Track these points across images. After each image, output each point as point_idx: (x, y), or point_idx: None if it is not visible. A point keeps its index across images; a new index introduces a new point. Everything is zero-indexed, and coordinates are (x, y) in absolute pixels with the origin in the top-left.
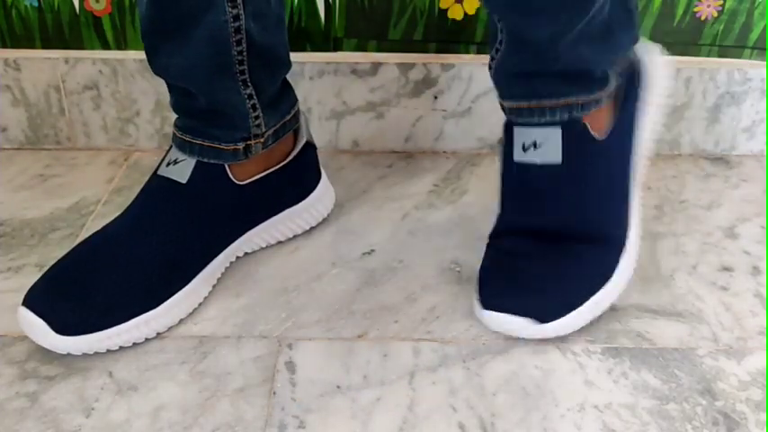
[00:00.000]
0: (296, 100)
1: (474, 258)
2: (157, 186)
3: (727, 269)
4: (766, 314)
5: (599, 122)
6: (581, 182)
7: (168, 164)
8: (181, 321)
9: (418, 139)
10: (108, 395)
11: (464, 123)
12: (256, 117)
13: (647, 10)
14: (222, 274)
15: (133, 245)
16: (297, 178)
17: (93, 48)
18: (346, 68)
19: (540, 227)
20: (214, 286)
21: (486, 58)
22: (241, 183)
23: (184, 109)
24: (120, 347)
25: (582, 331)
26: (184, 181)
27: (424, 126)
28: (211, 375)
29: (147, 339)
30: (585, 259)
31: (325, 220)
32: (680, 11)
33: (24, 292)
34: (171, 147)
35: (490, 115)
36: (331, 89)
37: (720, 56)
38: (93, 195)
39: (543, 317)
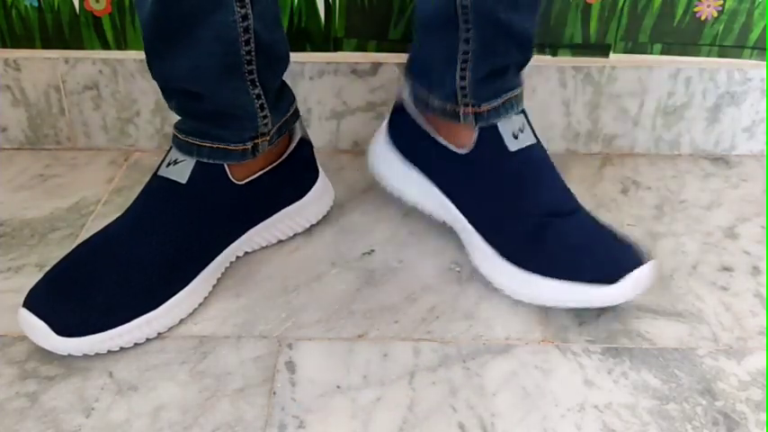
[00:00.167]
0: (294, 96)
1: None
2: (157, 187)
3: (727, 269)
4: (766, 314)
5: None
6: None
7: (168, 164)
8: (181, 321)
9: None
10: (108, 395)
11: None
12: (264, 116)
13: (648, 10)
14: (222, 273)
15: (133, 245)
16: (294, 176)
17: (93, 48)
18: (346, 68)
19: (547, 209)
20: (214, 286)
21: None
22: (240, 182)
23: (189, 112)
24: (121, 348)
25: (582, 331)
26: (184, 181)
27: None
28: (211, 375)
29: (147, 339)
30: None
31: (325, 220)
32: (680, 11)
33: (24, 292)
34: (171, 147)
35: None
36: (331, 89)
37: (720, 56)
38: (93, 195)
39: None
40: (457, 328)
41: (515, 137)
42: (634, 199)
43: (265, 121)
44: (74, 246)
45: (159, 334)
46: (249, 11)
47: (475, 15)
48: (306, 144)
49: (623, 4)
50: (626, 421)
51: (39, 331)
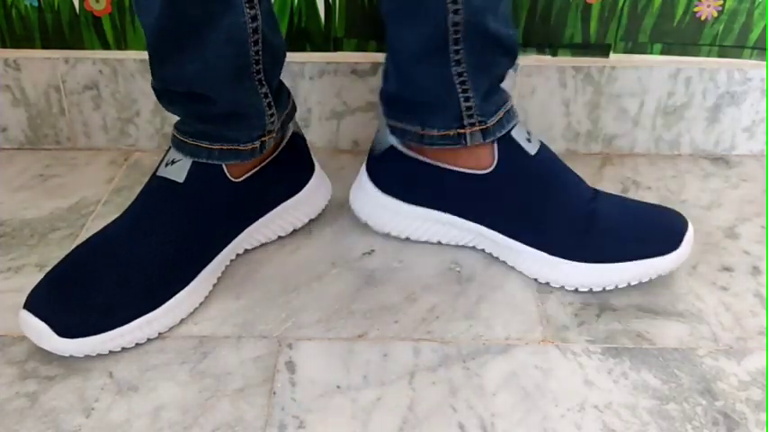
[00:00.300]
0: (289, 90)
1: (474, 258)
2: (156, 187)
3: (727, 269)
4: (766, 314)
5: None
6: None
7: (166, 164)
8: (181, 321)
9: None
10: (108, 395)
11: None
12: (271, 114)
13: (648, 10)
14: (222, 273)
15: (133, 246)
16: (290, 170)
17: (93, 48)
18: (346, 68)
19: (582, 199)
20: (214, 285)
21: None
22: (237, 180)
23: (197, 116)
24: (123, 348)
25: (582, 331)
26: (181, 180)
27: None
28: (211, 375)
29: (149, 339)
30: None
31: (325, 220)
32: (680, 11)
33: (24, 292)
34: (170, 147)
35: None
36: (331, 89)
37: (720, 56)
38: (93, 195)
39: None
40: (457, 328)
41: (529, 141)
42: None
43: (272, 119)
44: (74, 246)
45: (160, 334)
46: (258, 11)
47: (466, 29)
48: (299, 138)
49: (623, 4)
50: (626, 421)
51: (40, 333)
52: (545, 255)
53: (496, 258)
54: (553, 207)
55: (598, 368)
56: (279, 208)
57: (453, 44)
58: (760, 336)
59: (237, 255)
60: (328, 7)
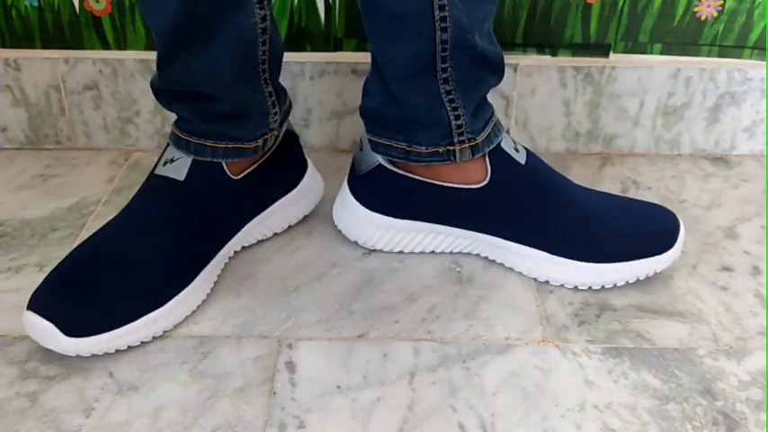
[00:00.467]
0: (284, 88)
1: (474, 258)
2: (155, 185)
3: (727, 269)
4: (766, 314)
5: None
6: None
7: (165, 163)
8: (181, 321)
9: None
10: (108, 395)
11: None
12: (275, 113)
13: (648, 10)
14: (223, 273)
15: (135, 244)
16: (286, 167)
17: (93, 48)
18: (346, 68)
19: (574, 200)
20: (215, 285)
21: None
22: (236, 177)
23: (202, 114)
24: (128, 346)
25: (582, 331)
26: (182, 178)
27: None
28: (211, 375)
29: (154, 338)
30: None
31: (325, 220)
32: (680, 11)
33: (25, 292)
34: (167, 146)
35: None
36: (331, 89)
37: (720, 56)
38: (94, 195)
39: None
40: (457, 328)
41: (516, 150)
42: None
43: (275, 117)
44: (74, 246)
45: (165, 332)
46: (267, 12)
47: (454, 47)
48: (293, 135)
49: (623, 4)
50: (626, 421)
51: (46, 333)
52: (544, 254)
53: (494, 261)
54: (550, 212)
55: (598, 368)
56: (276, 204)
57: (441, 62)
58: (760, 336)
59: (235, 252)
60: (328, 7)
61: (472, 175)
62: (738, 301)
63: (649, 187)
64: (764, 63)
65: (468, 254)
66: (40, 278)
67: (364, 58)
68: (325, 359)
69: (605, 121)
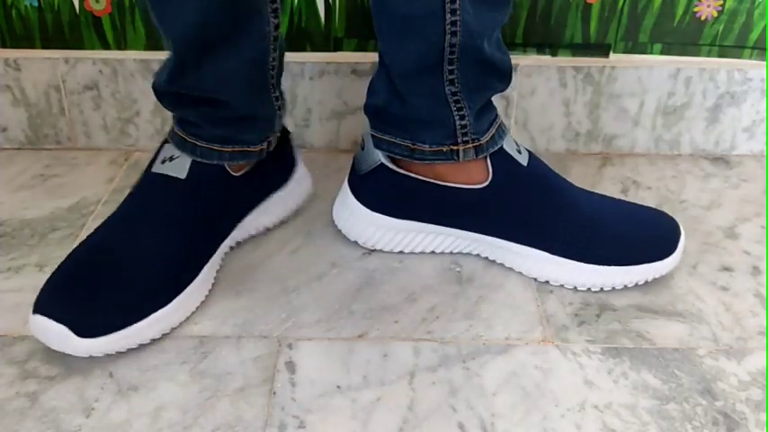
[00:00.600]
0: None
1: (474, 258)
2: (155, 184)
3: (727, 269)
4: (766, 314)
5: None
6: None
7: (164, 161)
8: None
9: None
10: (108, 395)
11: None
12: (280, 116)
13: (648, 10)
14: (223, 272)
15: (138, 242)
16: (279, 162)
17: (93, 48)
18: (346, 68)
19: (576, 201)
20: (214, 285)
21: None
22: (237, 174)
23: (211, 119)
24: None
25: (582, 331)
26: (183, 176)
27: None
28: (211, 375)
29: (163, 335)
30: None
31: (325, 220)
32: (680, 11)
33: (25, 292)
34: (163, 143)
35: None
36: (331, 89)
37: (720, 56)
38: (94, 195)
39: None
40: (457, 328)
41: (519, 152)
42: (634, 199)
43: (280, 120)
44: (74, 246)
45: (172, 329)
46: (280, 20)
47: (462, 51)
48: (285, 130)
49: (623, 4)
50: (626, 421)
51: (58, 335)
52: (544, 254)
53: (494, 261)
54: (551, 213)
55: (598, 368)
56: (270, 199)
57: (448, 64)
58: (760, 336)
59: (234, 251)
60: (328, 7)
61: (474, 175)
62: (738, 301)
63: (649, 187)
64: (764, 63)
65: (469, 254)
66: (40, 278)
67: (364, 58)
68: (325, 359)
69: (605, 121)
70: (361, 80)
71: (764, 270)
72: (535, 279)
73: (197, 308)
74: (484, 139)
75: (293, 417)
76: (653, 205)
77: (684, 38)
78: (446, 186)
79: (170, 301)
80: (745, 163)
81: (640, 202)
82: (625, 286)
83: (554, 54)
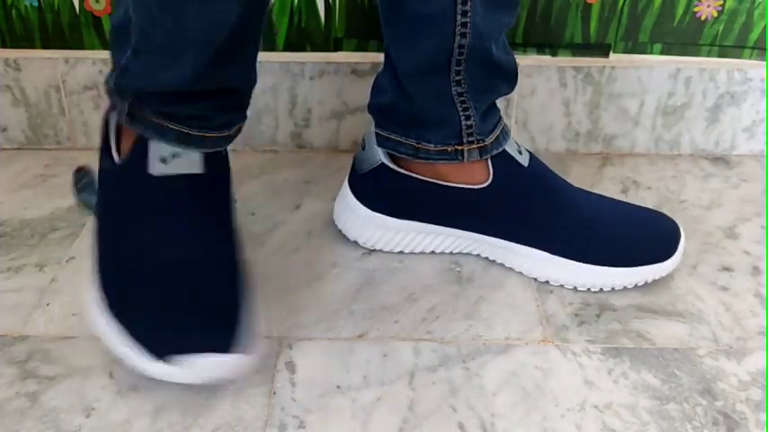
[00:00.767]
0: None
1: (474, 258)
2: (174, 187)
3: (727, 269)
4: (766, 314)
5: None
6: None
7: (163, 160)
8: None
9: None
10: (108, 395)
11: None
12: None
13: (648, 10)
14: None
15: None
16: None
17: (93, 48)
18: (346, 68)
19: (575, 201)
20: None
21: None
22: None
23: (224, 108)
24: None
25: (582, 331)
26: (201, 171)
27: None
28: None
29: None
30: None
31: (325, 221)
32: (680, 11)
33: (25, 293)
34: (138, 146)
35: None
36: (331, 89)
37: (720, 56)
38: None
39: None
40: (457, 328)
41: (520, 153)
42: (634, 199)
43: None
44: (74, 246)
45: None
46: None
47: (470, 52)
48: None
49: (623, 4)
50: (626, 421)
51: (234, 365)
52: (544, 254)
53: (494, 261)
54: (551, 213)
55: (598, 368)
56: None
57: (456, 65)
58: (760, 336)
59: None
60: (328, 7)
61: (475, 175)
62: (738, 301)
63: (649, 187)
64: (764, 63)
65: (469, 254)
66: (40, 278)
67: (364, 58)
68: (325, 359)
69: (605, 121)
70: (361, 80)
71: (764, 270)
72: (535, 279)
73: None
74: (488, 140)
75: (293, 417)
76: (653, 205)
77: (684, 38)
78: (447, 186)
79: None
80: (745, 163)
81: (640, 203)
82: (625, 287)
83: (554, 54)
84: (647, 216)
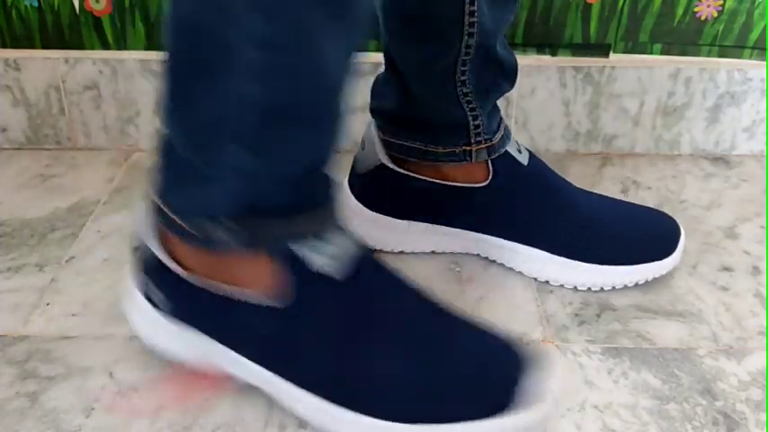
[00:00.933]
0: None
1: (474, 258)
2: (360, 273)
3: (727, 269)
4: (766, 314)
5: None
6: None
7: (332, 257)
8: None
9: None
10: (108, 395)
11: None
12: None
13: (648, 10)
14: None
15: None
16: None
17: (93, 48)
18: None
19: (574, 201)
20: None
21: None
22: None
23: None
24: (121, 347)
25: (582, 331)
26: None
27: None
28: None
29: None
30: None
31: None
32: (680, 11)
33: (25, 293)
34: (290, 262)
35: None
36: None
37: (720, 56)
38: (94, 195)
39: None
40: None
41: (519, 152)
42: (634, 199)
43: None
44: (73, 246)
45: None
46: None
47: (476, 52)
48: None
49: (623, 4)
50: (626, 421)
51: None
52: (544, 254)
53: (495, 261)
54: (551, 212)
55: (598, 368)
56: None
57: (461, 65)
58: (760, 336)
59: None
60: None
61: (475, 174)
62: (738, 301)
63: (649, 187)
64: (764, 63)
65: (469, 254)
66: (40, 278)
67: (364, 58)
68: None
69: (605, 121)
70: (361, 80)
71: (764, 270)
72: (535, 279)
73: None
74: (495, 140)
75: (293, 417)
76: (653, 205)
77: (684, 38)
78: (447, 186)
79: None
80: (745, 163)
81: (640, 203)
82: (625, 286)
83: (554, 54)
84: (647, 215)
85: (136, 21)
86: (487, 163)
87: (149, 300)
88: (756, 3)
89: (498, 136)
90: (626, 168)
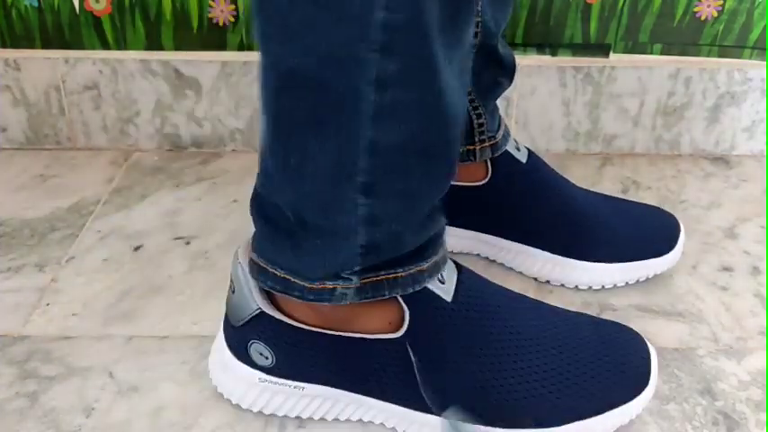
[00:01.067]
0: None
1: (474, 258)
2: (476, 293)
3: (727, 269)
4: (766, 314)
5: None
6: None
7: (441, 281)
8: (179, 322)
9: None
10: (108, 395)
11: None
12: None
13: (648, 10)
14: (222, 271)
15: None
16: None
17: (93, 48)
18: None
19: (573, 199)
20: (214, 285)
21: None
22: None
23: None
24: (121, 347)
25: None
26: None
27: None
28: None
29: (153, 337)
30: None
31: None
32: (680, 11)
33: (24, 293)
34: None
35: None
36: None
37: (720, 56)
38: (93, 195)
39: None
40: None
41: (518, 149)
42: (634, 199)
43: None
44: (73, 246)
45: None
46: None
47: (478, 51)
48: None
49: (623, 4)
50: None
51: None
52: (544, 253)
53: (495, 261)
54: (550, 211)
55: None
56: None
57: None
58: (760, 336)
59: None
60: None
61: (473, 173)
62: (738, 301)
63: (649, 187)
64: (764, 63)
65: (469, 254)
66: (40, 278)
67: None
68: None
69: (605, 121)
70: None
71: (764, 270)
72: (535, 279)
73: (195, 309)
74: (498, 137)
75: (293, 417)
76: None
77: (684, 38)
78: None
79: None
80: (745, 163)
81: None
82: (626, 283)
83: (554, 54)
84: (646, 212)
85: (136, 21)
86: (487, 161)
87: (248, 362)
88: (756, 3)
89: (500, 134)
90: (626, 168)
